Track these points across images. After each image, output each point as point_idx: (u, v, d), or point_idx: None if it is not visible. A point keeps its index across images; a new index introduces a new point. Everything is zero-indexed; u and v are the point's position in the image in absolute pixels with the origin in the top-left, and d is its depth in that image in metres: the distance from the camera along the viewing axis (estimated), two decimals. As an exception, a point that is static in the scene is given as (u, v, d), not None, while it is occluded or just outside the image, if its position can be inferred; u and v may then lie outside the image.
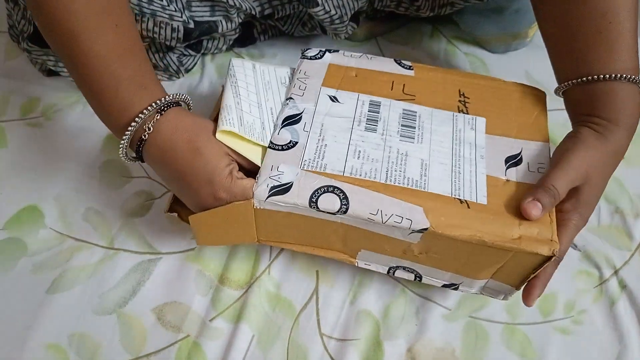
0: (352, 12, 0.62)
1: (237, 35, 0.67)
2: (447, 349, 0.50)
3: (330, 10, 0.60)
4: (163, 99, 0.42)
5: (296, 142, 0.44)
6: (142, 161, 0.44)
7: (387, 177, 0.43)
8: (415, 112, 0.47)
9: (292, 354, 0.49)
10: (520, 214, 0.41)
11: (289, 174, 0.42)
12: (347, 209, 0.41)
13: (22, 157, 0.60)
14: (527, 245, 0.40)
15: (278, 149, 0.44)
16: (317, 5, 0.59)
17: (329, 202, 0.41)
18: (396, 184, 0.42)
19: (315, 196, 0.41)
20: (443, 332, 0.51)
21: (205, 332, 0.50)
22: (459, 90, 0.49)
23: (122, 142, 0.42)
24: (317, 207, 0.41)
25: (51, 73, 0.65)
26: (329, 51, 0.52)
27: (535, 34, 0.70)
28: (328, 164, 0.43)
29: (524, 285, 0.44)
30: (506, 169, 0.44)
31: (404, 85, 0.49)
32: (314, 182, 0.42)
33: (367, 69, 0.51)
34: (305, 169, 0.43)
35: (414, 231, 0.40)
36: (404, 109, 0.47)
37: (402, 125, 0.46)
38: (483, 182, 0.43)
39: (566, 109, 0.48)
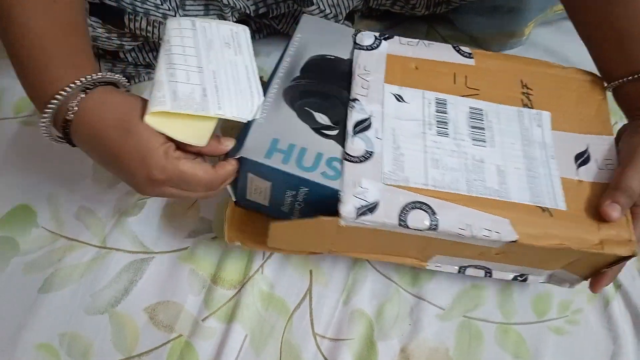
0: (347, 10, 0.62)
1: (231, 33, 0.66)
2: (441, 349, 0.50)
3: (325, 9, 0.60)
4: (89, 76, 0.39)
5: (372, 152, 0.42)
6: (73, 145, 0.42)
7: (468, 188, 0.42)
8: (482, 110, 0.46)
9: (285, 354, 0.49)
10: (598, 216, 0.42)
11: (373, 190, 0.41)
12: (437, 225, 0.40)
13: (15, 155, 0.59)
14: (609, 249, 0.41)
15: (355, 161, 0.42)
16: (312, 4, 0.58)
17: (418, 219, 0.40)
18: (478, 195, 0.42)
19: (404, 214, 0.40)
20: (437, 332, 0.51)
21: (197, 332, 0.49)
22: (521, 81, 0.48)
23: (43, 120, 0.39)
24: (407, 226, 0.40)
25: (44, 71, 0.65)
26: (384, 38, 0.50)
27: (531, 32, 0.69)
28: (410, 177, 0.42)
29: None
30: (577, 169, 0.44)
31: (466, 77, 0.48)
32: (399, 199, 0.41)
33: (426, 59, 0.49)
34: (387, 183, 0.41)
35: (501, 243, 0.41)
36: (470, 107, 0.46)
37: (472, 127, 0.45)
38: (559, 185, 0.43)
39: (618, 104, 0.49)
